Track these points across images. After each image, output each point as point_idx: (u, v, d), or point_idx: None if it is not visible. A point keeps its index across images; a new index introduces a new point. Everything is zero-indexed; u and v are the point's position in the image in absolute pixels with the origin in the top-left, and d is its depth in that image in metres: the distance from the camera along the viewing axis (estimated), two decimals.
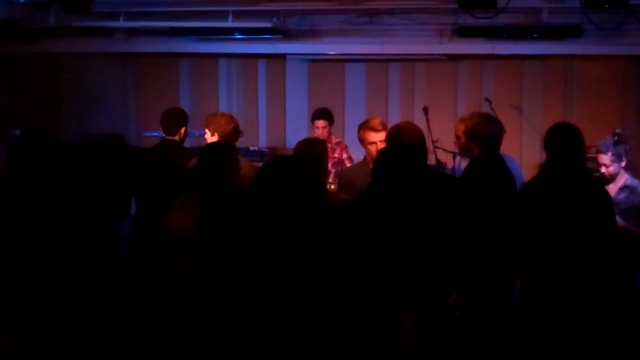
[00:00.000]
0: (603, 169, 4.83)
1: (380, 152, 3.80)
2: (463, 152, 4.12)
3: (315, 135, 6.25)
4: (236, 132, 4.73)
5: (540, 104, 8.08)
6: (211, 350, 2.51)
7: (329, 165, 5.77)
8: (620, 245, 3.80)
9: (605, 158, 4.83)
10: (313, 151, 3.89)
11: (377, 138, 4.28)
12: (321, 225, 2.92)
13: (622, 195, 4.81)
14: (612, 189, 4.84)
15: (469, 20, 6.74)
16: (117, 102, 8.91)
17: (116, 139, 8.65)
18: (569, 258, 3.51)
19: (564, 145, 3.67)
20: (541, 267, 3.55)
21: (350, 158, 6.41)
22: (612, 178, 4.82)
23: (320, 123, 6.43)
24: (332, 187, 4.93)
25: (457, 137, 4.04)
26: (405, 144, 3.68)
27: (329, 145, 6.04)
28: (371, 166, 4.42)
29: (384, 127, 4.29)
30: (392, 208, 3.42)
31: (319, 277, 2.79)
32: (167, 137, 5.00)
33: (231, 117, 4.80)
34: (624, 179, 4.85)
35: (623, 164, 4.86)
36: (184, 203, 2.54)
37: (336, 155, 6.39)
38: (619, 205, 4.75)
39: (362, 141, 4.43)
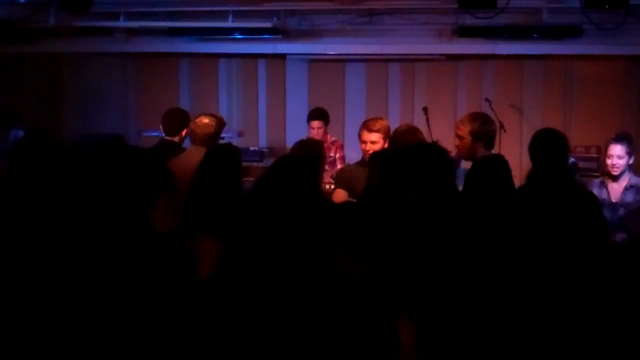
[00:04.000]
0: (615, 160, 4.73)
1: (372, 155, 3.78)
2: (467, 153, 4.07)
3: (310, 136, 6.23)
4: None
5: (540, 104, 8.07)
6: (204, 355, 2.50)
7: (325, 165, 5.76)
8: (610, 248, 3.78)
9: (619, 148, 4.73)
10: (310, 152, 3.89)
11: (368, 138, 4.26)
12: (320, 227, 2.91)
13: (630, 196, 4.77)
14: (617, 189, 4.82)
15: (469, 20, 6.74)
16: (117, 102, 8.90)
17: (116, 139, 8.64)
18: (563, 265, 3.49)
19: (550, 153, 3.63)
20: (535, 273, 3.54)
21: (342, 158, 6.39)
22: (617, 175, 4.77)
23: (316, 124, 6.41)
24: (331, 187, 4.91)
25: (461, 138, 3.99)
26: (402, 146, 3.67)
27: (325, 144, 6.04)
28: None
29: (380, 130, 4.26)
30: (391, 211, 3.41)
31: (317, 282, 2.78)
32: (166, 138, 4.98)
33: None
34: (627, 178, 4.82)
35: (631, 161, 4.81)
36: (167, 203, 2.53)
37: (332, 154, 6.38)
38: (628, 205, 4.72)
39: (359, 139, 4.44)
